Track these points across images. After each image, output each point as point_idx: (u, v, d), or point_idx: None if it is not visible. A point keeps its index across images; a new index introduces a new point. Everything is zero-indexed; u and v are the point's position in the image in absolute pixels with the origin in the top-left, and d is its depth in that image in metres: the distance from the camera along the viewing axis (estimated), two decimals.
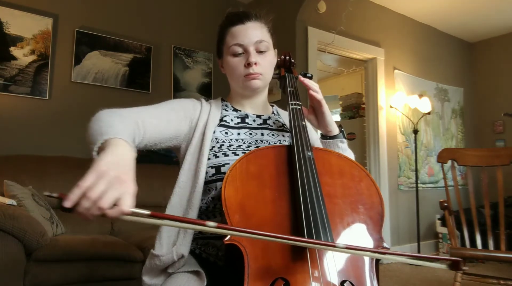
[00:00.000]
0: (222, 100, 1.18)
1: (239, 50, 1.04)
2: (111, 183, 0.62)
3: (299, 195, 0.79)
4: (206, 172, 0.99)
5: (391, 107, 4.14)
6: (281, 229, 0.77)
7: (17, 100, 2.88)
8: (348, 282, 0.73)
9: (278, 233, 0.76)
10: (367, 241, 0.80)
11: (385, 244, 0.80)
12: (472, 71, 5.22)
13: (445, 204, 2.13)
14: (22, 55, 2.91)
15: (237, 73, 1.06)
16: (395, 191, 4.10)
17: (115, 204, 0.61)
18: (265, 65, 1.06)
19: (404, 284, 3.08)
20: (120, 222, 2.78)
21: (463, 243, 2.14)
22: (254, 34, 1.04)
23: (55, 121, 3.01)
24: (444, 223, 4.13)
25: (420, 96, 4.18)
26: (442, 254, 4.19)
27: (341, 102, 5.19)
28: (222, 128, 1.07)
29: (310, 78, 1.19)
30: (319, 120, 1.07)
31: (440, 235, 4.24)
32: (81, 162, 2.86)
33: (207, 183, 1.00)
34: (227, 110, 1.14)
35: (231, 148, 1.02)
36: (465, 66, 5.16)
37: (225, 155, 1.00)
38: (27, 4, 2.96)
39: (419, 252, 3.92)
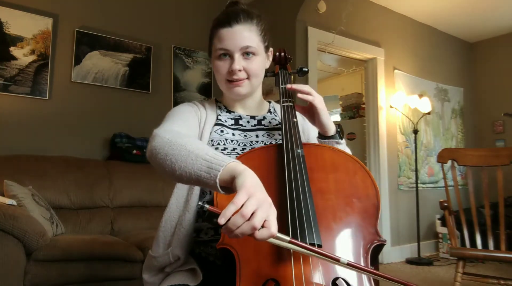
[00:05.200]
0: (216, 101, 1.16)
1: (225, 55, 1.01)
2: (261, 204, 0.63)
3: (286, 194, 0.79)
4: None
5: (391, 107, 4.14)
6: None
7: (17, 100, 2.88)
8: (340, 279, 0.73)
9: None
10: (362, 235, 0.79)
11: (381, 238, 0.79)
12: (472, 71, 5.22)
13: (445, 204, 2.13)
14: (22, 55, 2.91)
15: (220, 77, 1.04)
16: (395, 191, 4.10)
17: (263, 226, 0.63)
18: (252, 69, 1.01)
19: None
20: (120, 222, 2.79)
21: (463, 243, 2.14)
22: (241, 38, 0.99)
23: (55, 121, 3.01)
24: (444, 223, 4.13)
25: (420, 96, 4.18)
26: (442, 254, 4.19)
27: (341, 102, 5.19)
28: (218, 127, 1.06)
29: (306, 72, 1.17)
30: (315, 120, 1.04)
31: (440, 235, 4.24)
32: (81, 162, 2.87)
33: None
34: (221, 111, 1.12)
35: (225, 152, 1.01)
36: (465, 66, 5.16)
37: None
38: (27, 4, 2.95)
39: (419, 252, 3.92)
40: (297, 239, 0.71)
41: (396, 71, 4.26)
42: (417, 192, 4.00)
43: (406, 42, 4.43)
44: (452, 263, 3.73)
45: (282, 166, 0.86)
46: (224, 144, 1.02)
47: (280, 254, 0.74)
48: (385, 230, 3.93)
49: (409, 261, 3.88)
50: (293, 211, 0.76)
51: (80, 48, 3.16)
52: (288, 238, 0.65)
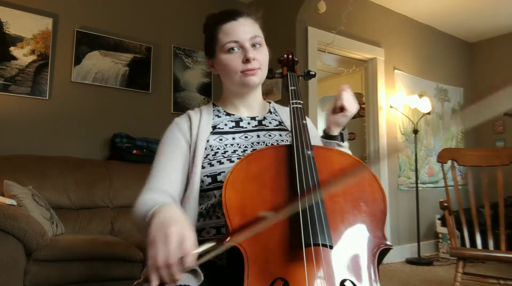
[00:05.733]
0: (214, 105, 1.15)
1: (235, 47, 1.02)
2: (165, 242, 0.64)
3: (297, 195, 0.79)
4: (203, 181, 0.99)
5: (391, 107, 4.14)
6: (280, 229, 0.77)
7: (17, 100, 2.88)
8: (348, 281, 0.73)
9: (277, 233, 0.77)
10: (369, 239, 0.80)
11: (388, 242, 0.80)
12: (472, 71, 5.22)
13: (445, 204, 2.13)
14: (22, 55, 2.91)
15: (233, 69, 1.03)
16: (395, 191, 4.10)
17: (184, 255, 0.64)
18: (262, 59, 1.05)
19: (404, 284, 3.08)
20: (120, 222, 2.79)
21: (463, 243, 2.14)
22: (247, 30, 1.03)
23: (55, 121, 3.01)
24: (444, 223, 4.13)
25: (420, 96, 4.18)
26: (442, 254, 4.19)
27: None
28: (216, 136, 1.06)
29: (313, 76, 1.18)
30: (335, 117, 1.06)
31: (440, 235, 4.24)
32: (81, 162, 2.87)
33: (204, 191, 1.00)
34: (219, 116, 1.11)
35: (226, 155, 1.01)
36: (465, 66, 5.16)
37: (220, 163, 0.99)
38: (27, 4, 2.95)
39: (419, 252, 3.92)
40: (309, 239, 0.72)
41: (396, 71, 4.27)
42: (417, 192, 4.00)
43: (406, 42, 4.43)
44: (452, 263, 3.73)
45: (292, 166, 0.86)
46: (224, 148, 1.03)
47: (289, 253, 0.74)
48: (385, 230, 3.91)
49: (409, 261, 3.88)
50: (304, 212, 0.76)
51: (80, 48, 3.16)
52: (213, 244, 0.68)
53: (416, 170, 4.05)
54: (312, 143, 0.93)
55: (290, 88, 1.08)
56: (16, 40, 2.90)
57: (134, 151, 3.07)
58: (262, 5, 3.69)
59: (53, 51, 3.04)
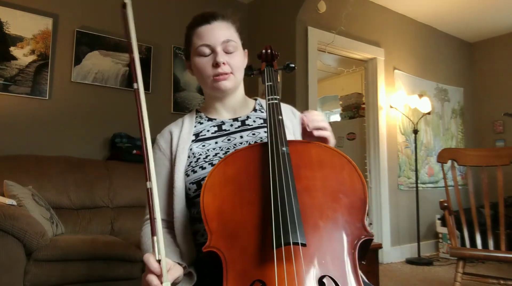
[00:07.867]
0: (197, 111, 1.15)
1: (207, 50, 1.02)
2: None
3: (270, 194, 0.78)
4: (189, 189, 1.00)
5: (391, 107, 4.14)
6: (257, 230, 0.77)
7: (17, 100, 2.88)
8: (327, 277, 0.72)
9: (254, 235, 0.76)
10: (349, 231, 0.78)
11: (368, 232, 0.77)
12: (472, 71, 5.22)
13: (445, 204, 2.13)
14: (22, 55, 2.91)
15: (205, 74, 1.03)
16: (395, 191, 4.10)
17: None
18: (234, 64, 1.03)
19: (404, 284, 3.08)
20: (120, 222, 2.79)
21: (463, 243, 2.14)
22: (221, 33, 1.02)
23: (55, 121, 3.01)
24: (444, 223, 4.13)
25: (420, 96, 4.18)
26: (442, 254, 4.19)
27: (341, 102, 5.19)
28: (199, 143, 1.06)
29: (293, 68, 1.16)
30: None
31: (440, 235, 4.24)
32: (81, 162, 2.87)
33: (192, 198, 1.01)
34: (202, 122, 1.11)
35: (207, 159, 1.01)
36: (465, 66, 5.16)
37: (202, 168, 0.99)
38: (27, 4, 2.95)
39: (419, 252, 3.92)
40: (280, 240, 0.71)
41: (396, 71, 4.27)
42: (417, 192, 4.00)
43: (406, 42, 4.43)
44: (452, 263, 3.73)
45: (266, 165, 0.85)
46: (206, 153, 1.03)
47: (265, 255, 0.73)
48: (385, 230, 3.93)
49: (409, 261, 3.88)
50: (276, 211, 0.75)
51: (80, 48, 3.16)
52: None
53: (416, 170, 4.05)
54: (292, 138, 0.91)
55: (266, 83, 1.06)
56: (16, 40, 2.90)
57: (134, 151, 3.07)
58: (262, 5, 3.68)
59: (53, 51, 3.04)
